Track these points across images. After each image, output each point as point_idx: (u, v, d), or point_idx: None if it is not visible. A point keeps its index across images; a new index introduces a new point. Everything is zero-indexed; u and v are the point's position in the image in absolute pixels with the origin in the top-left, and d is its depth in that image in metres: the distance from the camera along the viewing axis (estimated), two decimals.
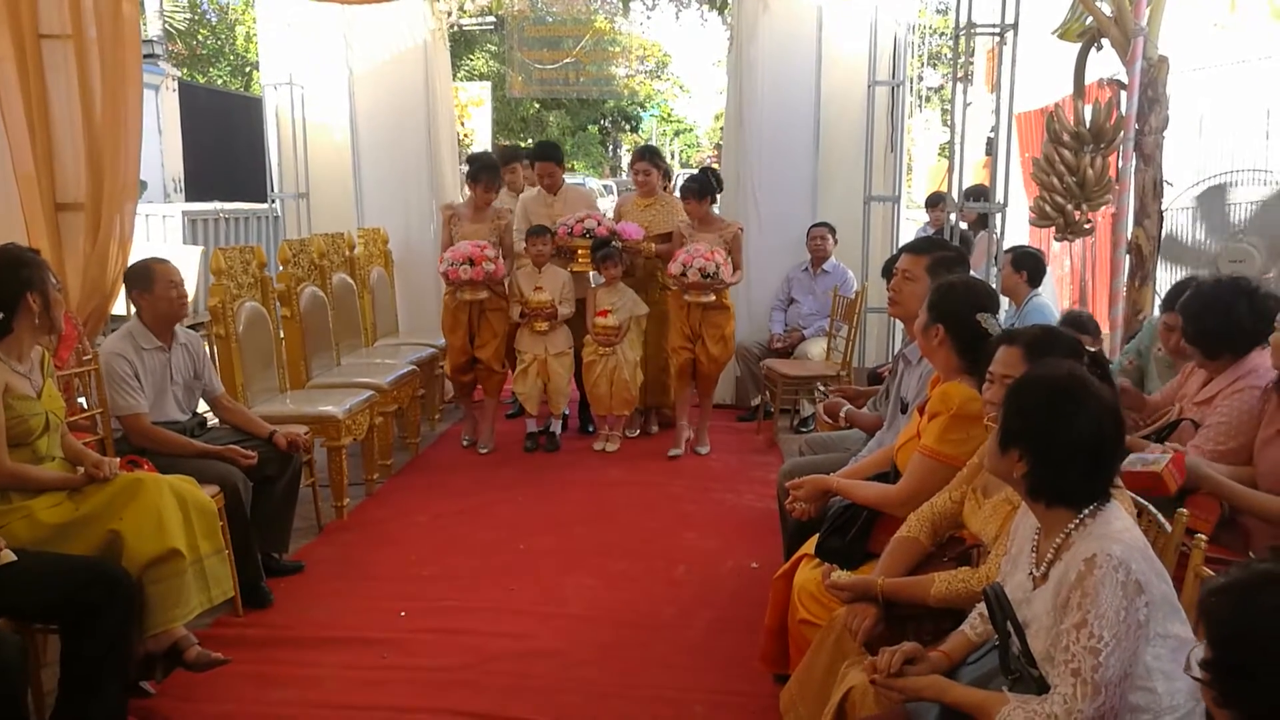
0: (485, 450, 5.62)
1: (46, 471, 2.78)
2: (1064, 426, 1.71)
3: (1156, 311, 4.72)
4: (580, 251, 5.58)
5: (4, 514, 2.66)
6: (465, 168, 5.80)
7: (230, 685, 2.96)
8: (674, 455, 5.49)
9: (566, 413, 6.01)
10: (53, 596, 2.45)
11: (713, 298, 5.27)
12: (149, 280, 3.63)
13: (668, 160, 7.23)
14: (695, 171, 5.94)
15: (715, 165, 7.82)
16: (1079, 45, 5.08)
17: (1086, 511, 1.75)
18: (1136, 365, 3.74)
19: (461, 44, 19.60)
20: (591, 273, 5.68)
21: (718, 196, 5.80)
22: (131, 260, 3.97)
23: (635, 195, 5.98)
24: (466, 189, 5.89)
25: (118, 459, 3.00)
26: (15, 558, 2.44)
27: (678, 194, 5.50)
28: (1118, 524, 1.73)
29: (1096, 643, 1.60)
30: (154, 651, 2.76)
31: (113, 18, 3.96)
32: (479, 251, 5.18)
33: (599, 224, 5.53)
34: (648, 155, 5.93)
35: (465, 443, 5.75)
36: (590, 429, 6.04)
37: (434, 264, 5.67)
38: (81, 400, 3.69)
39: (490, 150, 5.76)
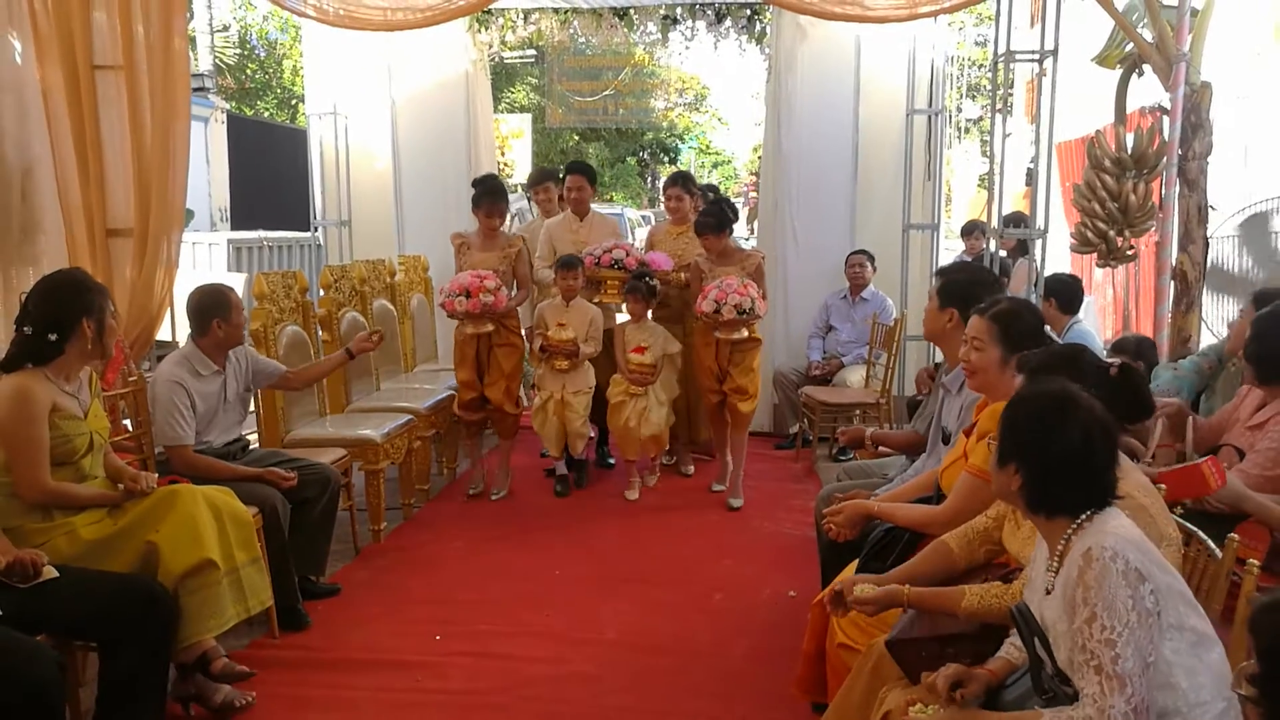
0: (498, 495, 5.22)
1: (88, 489, 2.83)
2: (1054, 439, 1.78)
3: (1204, 338, 4.65)
4: (609, 282, 5.32)
5: (47, 530, 2.71)
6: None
7: (267, 707, 2.97)
8: (719, 490, 5.27)
9: (609, 455, 5.84)
10: (91, 613, 2.48)
11: (746, 334, 4.98)
12: (227, 307, 3.66)
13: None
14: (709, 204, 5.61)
15: (754, 193, 7.82)
16: (1119, 73, 5.05)
17: (1084, 516, 1.78)
18: (1213, 369, 3.67)
19: (502, 77, 19.90)
20: (621, 305, 5.44)
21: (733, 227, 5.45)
22: (179, 286, 4.06)
23: (668, 223, 5.81)
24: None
25: (156, 475, 3.04)
26: (58, 573, 2.48)
27: (695, 230, 5.18)
28: (1113, 523, 1.76)
29: (1110, 634, 1.62)
30: (184, 663, 2.79)
31: (163, 51, 4.09)
32: (477, 282, 4.83)
33: (628, 254, 5.28)
34: (680, 181, 5.72)
35: (472, 492, 5.24)
36: (610, 461, 5.84)
37: None
38: (126, 422, 3.75)
39: (493, 174, 5.43)
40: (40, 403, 2.68)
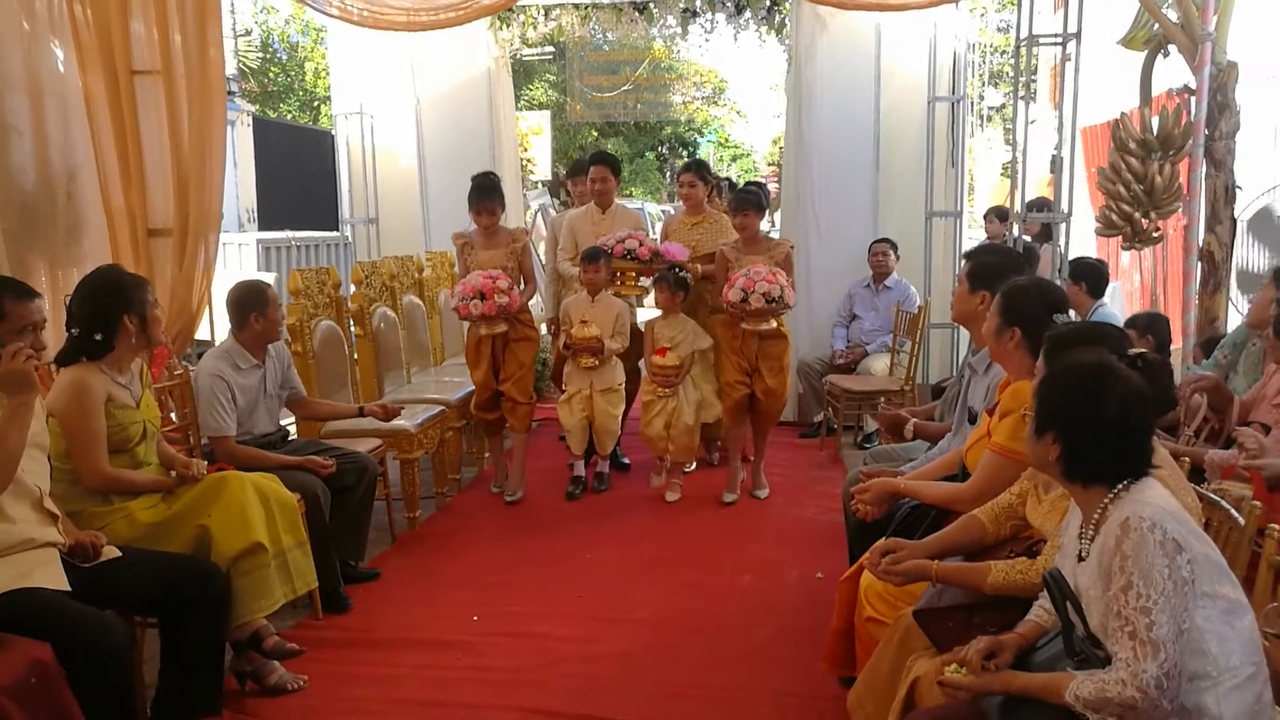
0: (513, 498, 5.04)
1: (143, 475, 2.95)
2: (1092, 409, 1.81)
3: (1232, 318, 4.66)
4: (624, 274, 5.12)
5: (106, 514, 2.83)
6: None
7: (314, 683, 3.07)
8: (730, 501, 4.98)
9: (621, 455, 5.61)
10: (153, 590, 2.59)
11: (773, 325, 4.76)
12: (264, 302, 3.76)
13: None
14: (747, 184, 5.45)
15: (775, 183, 7.81)
16: (1144, 55, 5.05)
17: (1121, 485, 1.81)
18: (1230, 359, 3.70)
19: (521, 74, 19.98)
20: (634, 297, 5.32)
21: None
22: (221, 284, 4.16)
23: (682, 213, 5.53)
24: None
25: (205, 463, 3.15)
26: (119, 553, 2.60)
27: (730, 207, 4.93)
28: (1150, 493, 1.79)
29: (1146, 602, 1.65)
30: (238, 640, 2.92)
31: (200, 59, 4.19)
32: (489, 284, 4.68)
33: (641, 244, 5.03)
34: (694, 168, 5.37)
35: (495, 489, 5.19)
36: (625, 462, 5.62)
37: None
38: (171, 415, 3.87)
39: (491, 172, 5.20)
40: (96, 394, 2.80)
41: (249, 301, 3.76)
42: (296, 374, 4.09)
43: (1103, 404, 1.79)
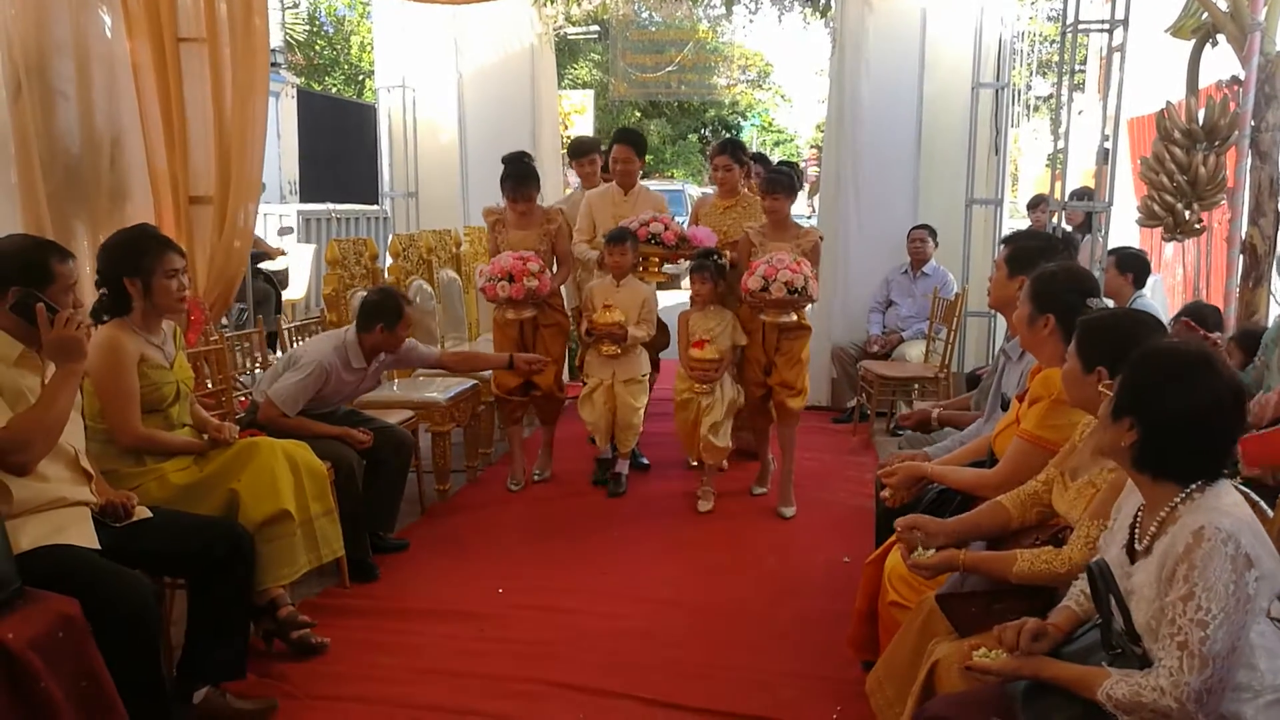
0: (540, 477, 5.01)
1: (175, 436, 2.99)
2: (1180, 399, 1.69)
3: (1273, 313, 4.56)
4: (647, 259, 4.86)
5: (139, 475, 2.88)
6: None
7: (339, 649, 3.13)
8: (760, 493, 4.84)
9: (640, 455, 5.31)
10: (183, 551, 2.63)
11: (794, 317, 4.48)
12: (395, 319, 3.81)
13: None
14: (779, 165, 5.22)
15: (815, 167, 7.75)
16: (1192, 44, 4.94)
17: (1194, 486, 1.72)
18: (1264, 361, 3.63)
19: (565, 53, 19.96)
20: (654, 283, 4.99)
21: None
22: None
23: (715, 196, 5.17)
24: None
25: (237, 427, 3.20)
26: (151, 514, 2.65)
27: (761, 189, 4.60)
28: (1227, 499, 1.70)
29: (1204, 615, 1.58)
30: (256, 605, 2.96)
31: (245, 27, 4.23)
32: (520, 265, 4.48)
33: (666, 228, 4.77)
34: (729, 149, 4.97)
35: (511, 487, 4.88)
36: (644, 461, 5.32)
37: None
38: (207, 382, 3.93)
39: (524, 154, 4.89)
40: (129, 354, 2.84)
41: (383, 311, 3.80)
42: (422, 349, 4.20)
43: (1194, 393, 1.67)
